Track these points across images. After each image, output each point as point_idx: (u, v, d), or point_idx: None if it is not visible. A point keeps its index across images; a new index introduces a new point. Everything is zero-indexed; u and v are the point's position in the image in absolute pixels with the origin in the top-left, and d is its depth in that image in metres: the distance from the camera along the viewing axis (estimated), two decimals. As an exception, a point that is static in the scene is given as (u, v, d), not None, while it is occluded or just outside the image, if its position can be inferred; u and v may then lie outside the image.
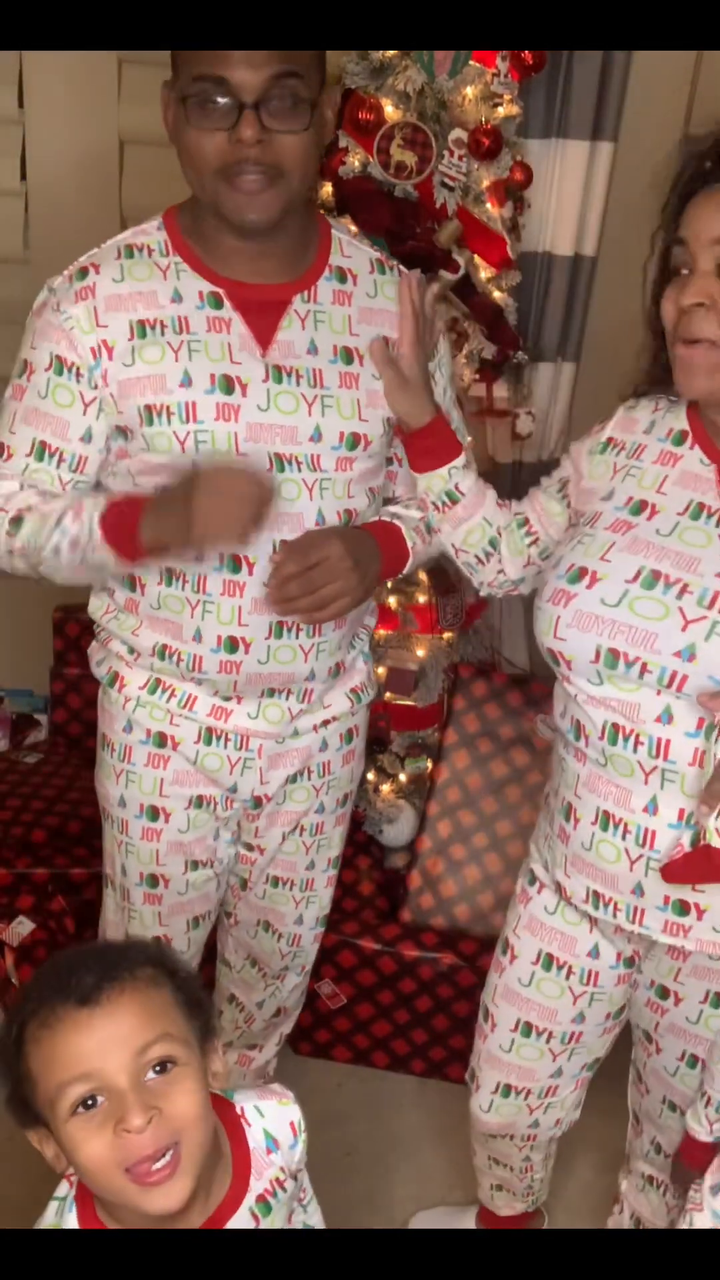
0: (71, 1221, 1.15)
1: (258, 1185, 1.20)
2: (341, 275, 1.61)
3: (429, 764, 2.55)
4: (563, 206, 2.52)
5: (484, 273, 2.39)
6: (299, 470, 1.57)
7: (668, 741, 1.36)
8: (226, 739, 1.70)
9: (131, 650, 1.69)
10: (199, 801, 1.74)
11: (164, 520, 1.48)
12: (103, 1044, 1.06)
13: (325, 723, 1.75)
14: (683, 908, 1.41)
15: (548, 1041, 1.63)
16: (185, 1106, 1.08)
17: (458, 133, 2.28)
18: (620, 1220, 1.86)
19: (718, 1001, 1.49)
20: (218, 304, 1.55)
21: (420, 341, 1.61)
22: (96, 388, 1.54)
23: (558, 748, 1.53)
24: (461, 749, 2.42)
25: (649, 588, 1.37)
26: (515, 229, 2.42)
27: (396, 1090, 2.41)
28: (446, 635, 2.56)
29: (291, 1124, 1.25)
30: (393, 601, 2.51)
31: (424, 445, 1.62)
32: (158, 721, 1.70)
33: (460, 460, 1.63)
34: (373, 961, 2.33)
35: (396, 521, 1.71)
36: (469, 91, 2.27)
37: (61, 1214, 1.16)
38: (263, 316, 1.56)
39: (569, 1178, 2.18)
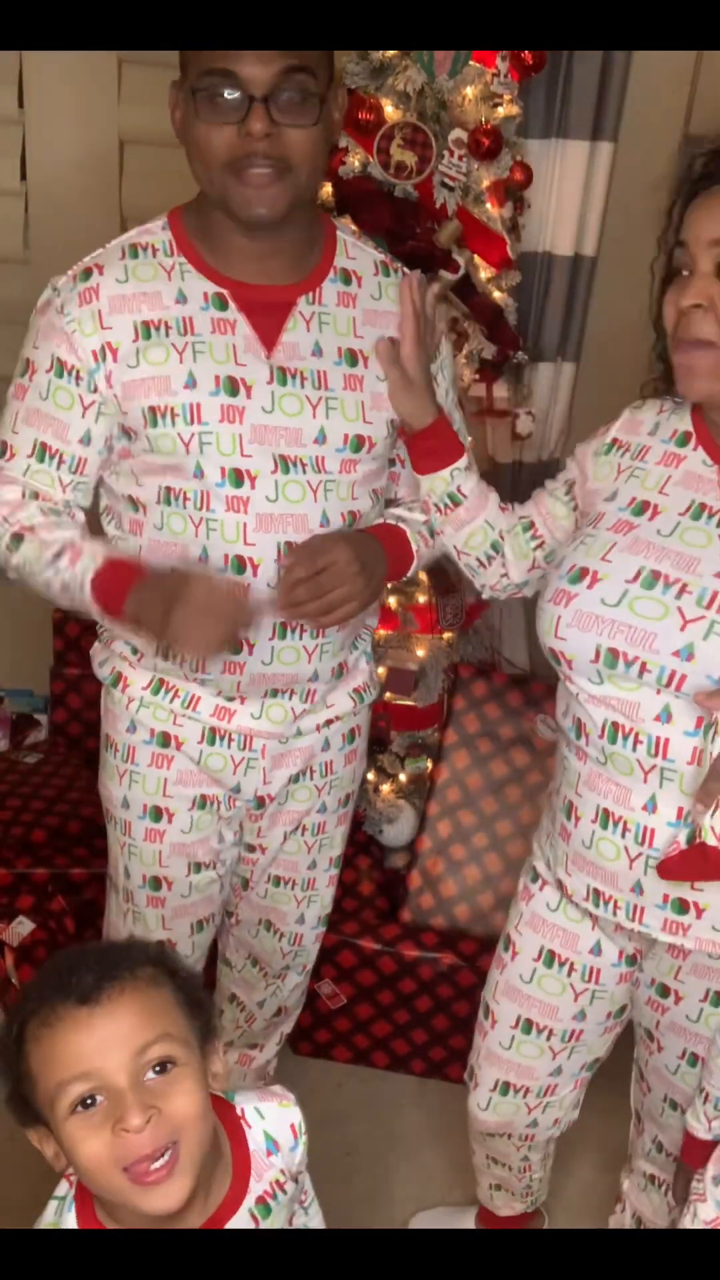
0: (71, 1221, 1.15)
1: (258, 1187, 1.20)
2: (346, 277, 1.61)
3: (429, 764, 2.55)
4: (563, 206, 2.51)
5: (484, 273, 2.38)
6: (303, 472, 1.57)
7: (667, 740, 1.36)
8: (230, 739, 1.70)
9: (135, 650, 1.69)
10: (202, 802, 1.74)
11: (146, 609, 1.51)
12: (102, 1043, 1.06)
13: (328, 722, 1.75)
14: (682, 906, 1.42)
15: (548, 1039, 1.64)
16: (184, 1106, 1.08)
17: (458, 133, 2.27)
18: (622, 1220, 1.86)
19: (718, 1000, 1.49)
20: (222, 305, 1.55)
21: (422, 342, 1.61)
22: (97, 390, 1.54)
23: (560, 746, 1.54)
24: (461, 749, 2.42)
25: (649, 588, 1.38)
26: (515, 229, 2.42)
27: (396, 1090, 2.41)
28: (446, 635, 2.56)
29: (292, 1126, 1.25)
30: (393, 602, 2.50)
31: (426, 446, 1.63)
32: (161, 722, 1.70)
33: (462, 462, 1.63)
34: (373, 961, 2.33)
35: (401, 525, 1.71)
36: (469, 91, 2.26)
37: (61, 1214, 1.16)
38: (268, 318, 1.55)
39: (569, 1178, 2.18)
